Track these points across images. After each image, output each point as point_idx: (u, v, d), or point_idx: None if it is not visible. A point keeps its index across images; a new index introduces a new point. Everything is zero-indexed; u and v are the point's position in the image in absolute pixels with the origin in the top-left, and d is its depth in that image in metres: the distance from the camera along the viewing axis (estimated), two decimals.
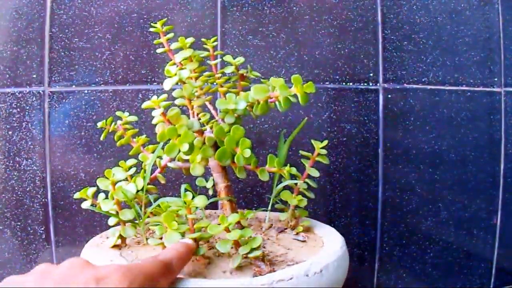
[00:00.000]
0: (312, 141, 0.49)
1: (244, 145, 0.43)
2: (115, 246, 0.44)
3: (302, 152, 0.50)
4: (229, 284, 0.35)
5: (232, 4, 0.65)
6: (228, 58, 0.49)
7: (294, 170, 0.45)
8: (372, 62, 0.68)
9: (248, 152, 0.43)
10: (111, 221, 0.45)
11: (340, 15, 0.67)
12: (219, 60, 0.51)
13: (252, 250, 0.38)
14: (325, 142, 0.49)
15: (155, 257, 0.34)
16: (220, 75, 0.50)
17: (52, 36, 0.64)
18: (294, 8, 0.66)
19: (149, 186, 0.47)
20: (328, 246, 0.44)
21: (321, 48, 0.67)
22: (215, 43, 0.50)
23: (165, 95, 0.45)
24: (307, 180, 0.49)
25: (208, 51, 0.50)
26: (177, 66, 0.48)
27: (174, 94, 0.45)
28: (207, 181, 0.54)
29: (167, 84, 0.45)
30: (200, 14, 0.65)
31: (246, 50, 0.66)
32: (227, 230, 0.38)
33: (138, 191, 0.45)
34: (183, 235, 0.39)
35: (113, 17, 0.64)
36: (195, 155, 0.43)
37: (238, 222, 0.41)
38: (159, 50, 0.50)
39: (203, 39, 0.50)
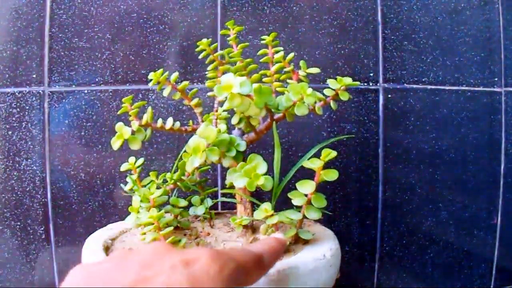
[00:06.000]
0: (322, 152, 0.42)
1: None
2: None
3: (305, 165, 0.43)
4: None
5: (232, 4, 0.65)
6: (279, 55, 0.48)
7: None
8: (372, 62, 0.68)
9: (262, 180, 0.41)
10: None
11: (340, 15, 0.67)
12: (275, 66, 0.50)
13: None
14: (334, 154, 0.42)
15: (245, 248, 0.31)
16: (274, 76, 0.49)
17: (52, 36, 0.64)
18: (294, 8, 0.66)
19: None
20: (315, 249, 0.41)
21: (321, 48, 0.67)
22: (274, 42, 0.49)
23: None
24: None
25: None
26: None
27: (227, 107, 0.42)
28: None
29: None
30: (200, 14, 0.65)
31: (246, 50, 0.65)
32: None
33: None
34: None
35: (113, 17, 0.64)
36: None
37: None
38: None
39: (262, 37, 0.50)
